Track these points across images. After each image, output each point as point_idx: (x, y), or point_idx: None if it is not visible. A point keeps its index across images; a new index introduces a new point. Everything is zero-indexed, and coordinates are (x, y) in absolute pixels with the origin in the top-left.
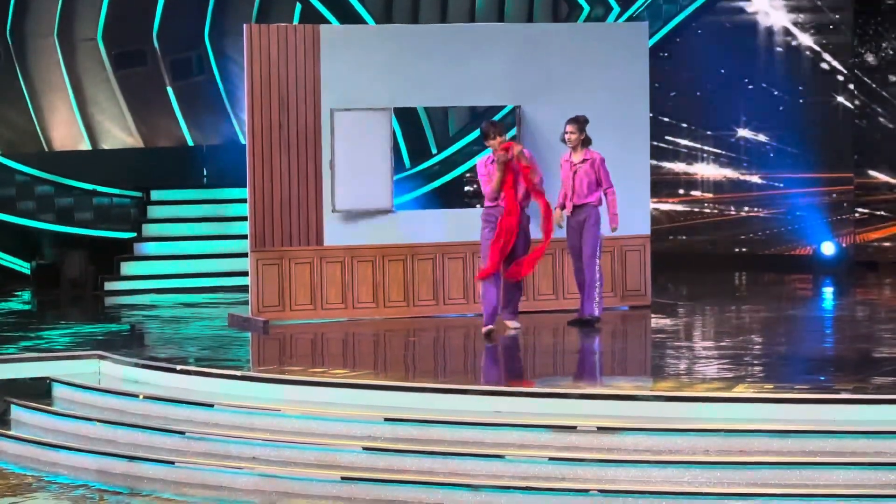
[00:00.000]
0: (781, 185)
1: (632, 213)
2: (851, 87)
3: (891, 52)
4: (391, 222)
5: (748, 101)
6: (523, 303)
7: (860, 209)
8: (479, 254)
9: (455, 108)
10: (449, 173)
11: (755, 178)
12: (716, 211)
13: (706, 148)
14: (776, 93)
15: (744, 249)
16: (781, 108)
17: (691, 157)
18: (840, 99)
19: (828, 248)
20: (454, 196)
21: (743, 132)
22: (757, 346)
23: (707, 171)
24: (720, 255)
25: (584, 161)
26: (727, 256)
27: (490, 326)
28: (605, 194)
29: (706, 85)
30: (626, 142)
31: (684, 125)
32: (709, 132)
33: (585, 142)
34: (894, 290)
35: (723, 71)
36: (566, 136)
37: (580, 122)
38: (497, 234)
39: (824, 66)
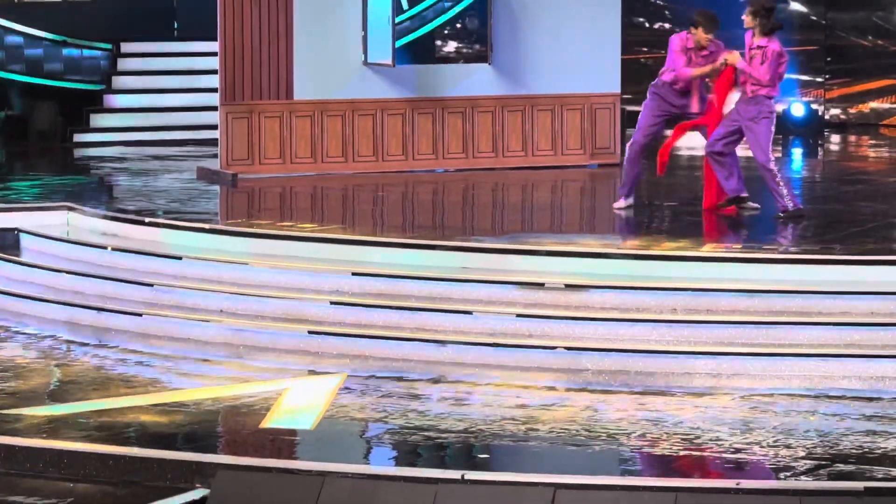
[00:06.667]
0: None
1: (603, 70)
2: None
3: None
4: (361, 77)
5: None
6: (492, 158)
7: (830, 69)
8: (448, 109)
9: None
10: (420, 29)
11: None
12: None
13: None
14: None
15: None
16: None
17: None
18: None
19: (797, 109)
20: (425, 52)
21: None
22: (725, 206)
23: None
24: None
25: (758, 48)
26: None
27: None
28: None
29: None
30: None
31: None
32: None
33: (765, 28)
34: (861, 151)
35: None
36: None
37: (752, 7)
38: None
39: None
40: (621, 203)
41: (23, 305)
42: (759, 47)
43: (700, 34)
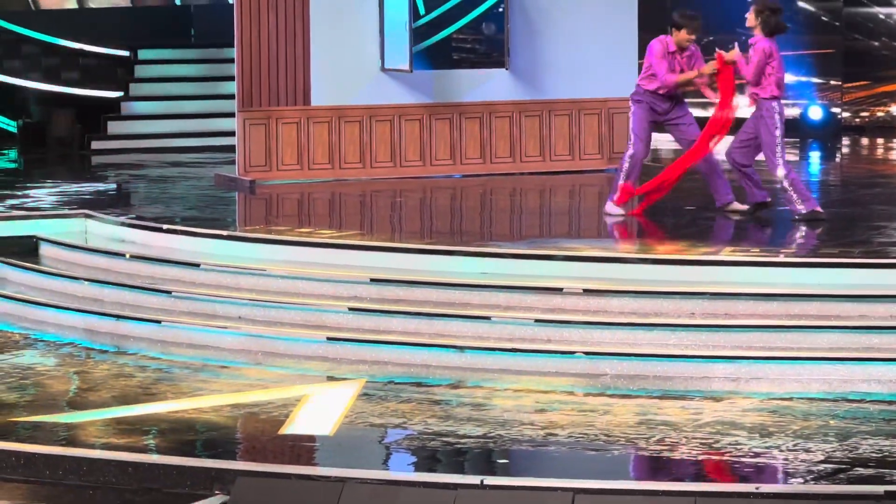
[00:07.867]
0: None
1: (620, 74)
2: None
3: None
4: (378, 82)
5: None
6: (510, 163)
7: (848, 72)
8: (466, 115)
9: None
10: (437, 34)
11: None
12: None
13: None
14: None
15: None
16: None
17: None
18: None
19: (815, 113)
20: (442, 57)
21: None
22: (743, 210)
23: None
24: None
25: (751, 46)
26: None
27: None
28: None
29: None
30: (615, 3)
31: None
32: None
33: (766, 28)
34: (879, 154)
35: None
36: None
37: (756, 6)
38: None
39: None
40: (619, 210)
41: (41, 313)
42: (751, 45)
43: (682, 35)
